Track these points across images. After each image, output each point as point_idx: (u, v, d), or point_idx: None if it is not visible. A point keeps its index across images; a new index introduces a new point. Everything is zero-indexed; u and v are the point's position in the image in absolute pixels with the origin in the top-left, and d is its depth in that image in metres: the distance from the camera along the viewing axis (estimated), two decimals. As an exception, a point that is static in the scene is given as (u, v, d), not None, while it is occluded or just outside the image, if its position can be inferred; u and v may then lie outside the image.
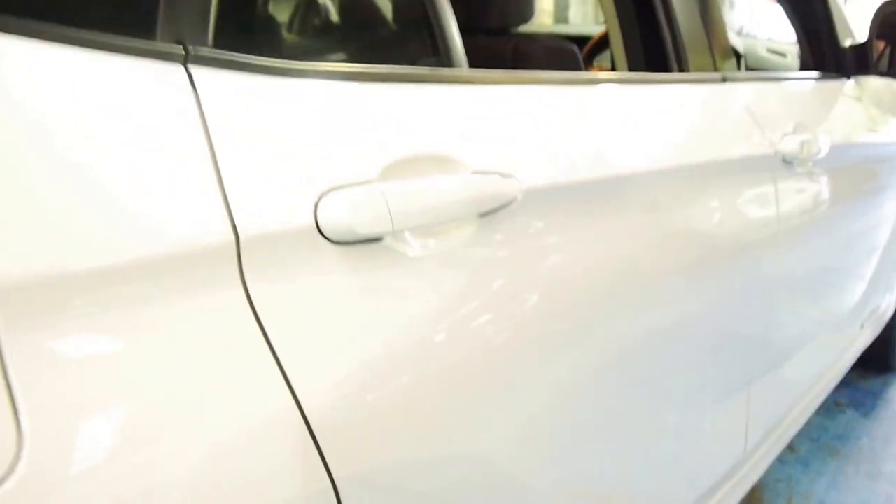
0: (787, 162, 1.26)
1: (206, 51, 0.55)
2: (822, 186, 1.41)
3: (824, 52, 1.74)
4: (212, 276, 0.51)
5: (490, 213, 0.71)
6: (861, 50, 1.72)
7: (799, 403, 1.63)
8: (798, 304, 1.41)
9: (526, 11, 1.08)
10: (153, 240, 0.49)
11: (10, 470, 0.41)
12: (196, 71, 0.53)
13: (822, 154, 1.36)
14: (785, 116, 1.31)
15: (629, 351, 0.94)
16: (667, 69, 1.15)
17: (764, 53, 2.15)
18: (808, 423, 2.24)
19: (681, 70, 1.16)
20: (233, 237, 0.52)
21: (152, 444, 0.47)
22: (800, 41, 1.84)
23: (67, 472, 0.44)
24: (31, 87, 0.46)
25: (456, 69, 0.78)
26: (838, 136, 1.52)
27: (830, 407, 2.36)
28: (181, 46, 0.53)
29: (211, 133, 0.53)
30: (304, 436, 0.54)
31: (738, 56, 2.16)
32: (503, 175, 0.72)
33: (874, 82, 1.75)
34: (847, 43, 1.74)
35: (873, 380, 2.54)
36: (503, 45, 1.22)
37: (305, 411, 0.54)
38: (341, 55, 1.09)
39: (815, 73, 1.70)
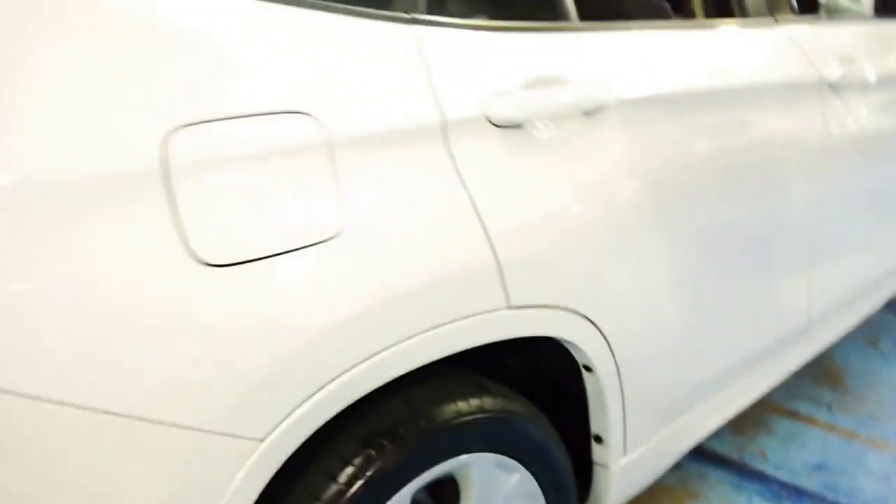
0: (833, 87, 1.57)
1: (419, 15, 0.97)
2: (867, 110, 1.70)
3: (890, -3, 1.99)
4: (429, 145, 0.94)
5: (592, 112, 1.11)
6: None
7: (858, 298, 1.91)
8: (845, 210, 1.71)
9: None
10: (406, 117, 0.91)
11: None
12: (413, 29, 0.96)
13: (869, 80, 1.66)
14: (832, 52, 1.62)
15: (714, 224, 1.33)
16: (731, 16, 1.50)
17: (842, 3, 2.40)
18: (891, 324, 2.49)
19: (742, 16, 1.50)
20: (438, 119, 0.94)
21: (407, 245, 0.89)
22: (872, -13, 2.08)
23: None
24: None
25: (572, 21, 1.18)
26: (890, 67, 1.79)
27: None
28: (406, 14, 0.96)
29: (428, 59, 0.95)
30: (490, 257, 0.96)
31: (816, 3, 2.41)
32: (598, 89, 1.12)
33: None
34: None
35: None
36: (602, 7, 1.61)
37: (492, 238, 0.96)
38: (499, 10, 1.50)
39: (874, 17, 1.97)
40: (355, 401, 0.88)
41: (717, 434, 1.94)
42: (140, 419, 0.71)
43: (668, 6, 1.62)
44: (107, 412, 0.69)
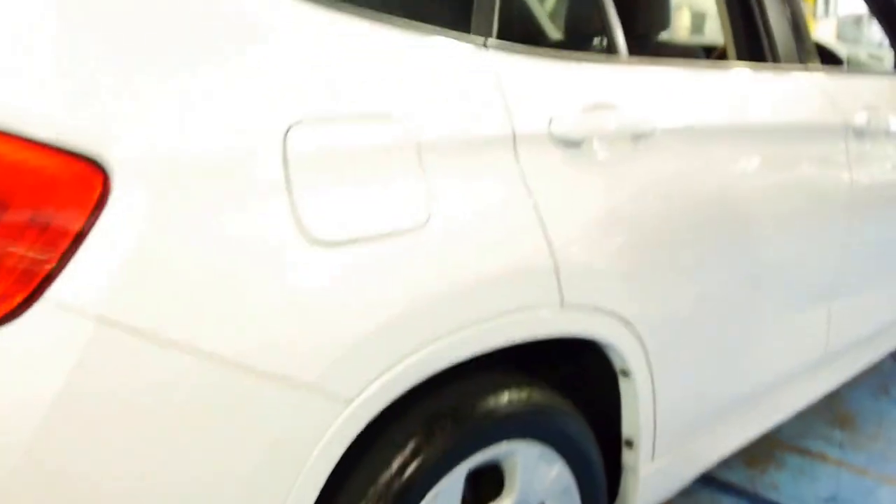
0: (858, 133, 1.69)
1: (493, 41, 1.09)
2: (889, 158, 1.82)
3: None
4: (501, 154, 1.05)
5: (639, 137, 1.22)
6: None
7: (871, 341, 1.99)
8: (866, 252, 1.81)
9: (664, 22, 1.59)
10: (483, 128, 1.03)
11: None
12: (489, 53, 1.08)
13: (892, 129, 1.78)
14: (857, 100, 1.74)
15: (748, 251, 1.43)
16: (763, 61, 1.62)
17: (864, 58, 2.57)
18: None
19: (774, 61, 1.62)
20: (510, 132, 1.05)
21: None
22: (893, 44, 2.22)
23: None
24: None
25: (622, 55, 1.30)
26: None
27: None
28: (481, 38, 1.08)
29: (502, 79, 1.07)
30: (549, 259, 1.06)
31: (839, 59, 2.57)
32: (645, 117, 1.24)
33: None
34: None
35: None
36: (647, 47, 1.75)
37: (551, 242, 1.06)
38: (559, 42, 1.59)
39: (894, 72, 2.10)
40: (419, 384, 0.97)
41: (729, 466, 2.01)
42: (255, 371, 0.80)
43: (700, 52, 1.75)
44: (235, 364, 0.79)
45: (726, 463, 2.01)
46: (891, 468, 2.01)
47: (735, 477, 1.96)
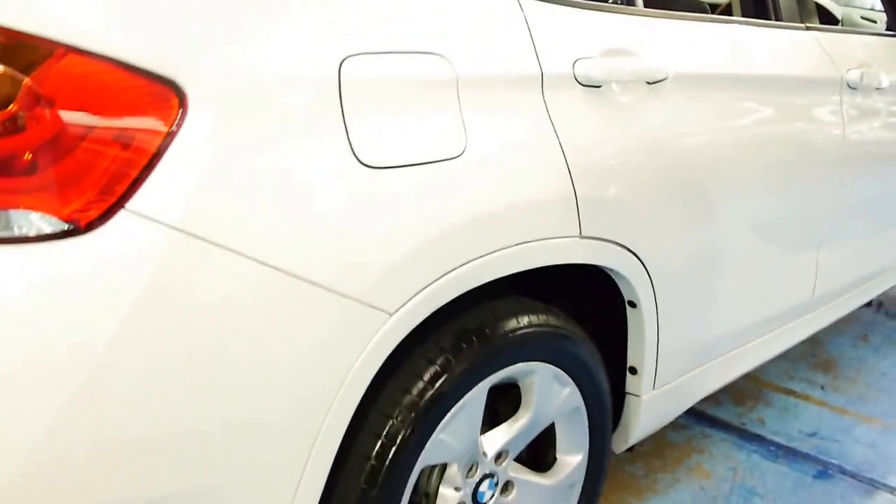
0: (852, 87, 1.78)
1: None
2: (881, 106, 1.92)
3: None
4: (529, 92, 1.13)
5: (654, 83, 1.30)
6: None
7: (864, 283, 2.12)
8: (854, 204, 1.91)
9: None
10: (513, 68, 1.10)
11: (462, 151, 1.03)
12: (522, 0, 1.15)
13: (882, 86, 1.87)
14: (852, 57, 1.82)
15: (749, 194, 1.52)
16: (767, 19, 1.70)
17: (858, 19, 2.66)
18: (884, 326, 2.72)
19: (777, 20, 1.70)
20: (538, 72, 1.13)
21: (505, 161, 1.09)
22: (885, 9, 2.30)
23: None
24: None
25: (639, 7, 1.37)
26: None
27: None
28: None
29: (532, 24, 1.14)
30: (571, 192, 1.14)
31: (835, 19, 2.66)
32: (659, 65, 1.32)
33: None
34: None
35: None
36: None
37: (573, 175, 1.14)
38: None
39: (888, 32, 2.19)
40: (451, 304, 1.06)
41: (720, 403, 2.14)
42: (310, 282, 0.88)
43: (705, 6, 1.83)
44: (293, 275, 0.86)
45: (717, 400, 2.15)
46: (867, 408, 2.15)
47: (725, 414, 2.09)
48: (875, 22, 2.61)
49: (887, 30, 2.27)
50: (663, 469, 1.84)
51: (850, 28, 2.12)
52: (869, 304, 2.91)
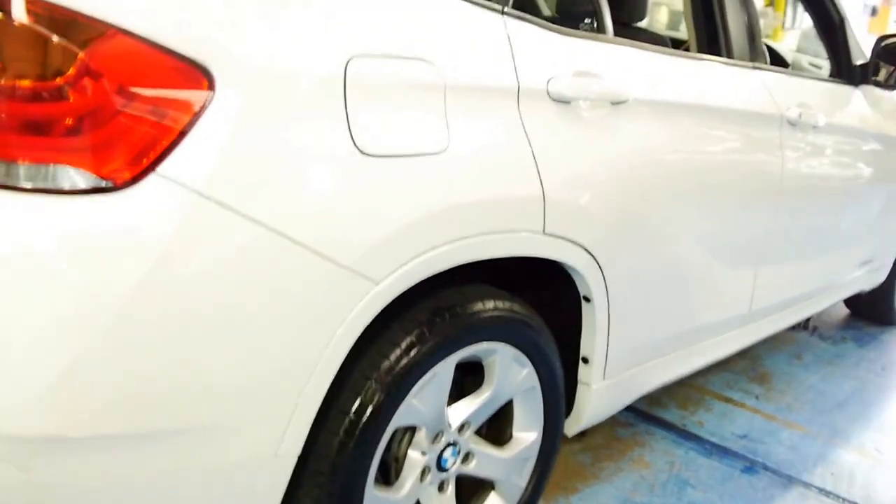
0: (791, 124, 1.99)
1: (509, 10, 1.32)
2: (816, 143, 2.14)
3: (841, 67, 2.45)
4: (507, 102, 1.28)
5: (617, 103, 1.47)
6: (865, 67, 2.42)
7: (797, 303, 2.33)
8: (789, 227, 2.11)
9: (642, 13, 1.85)
10: (495, 79, 1.26)
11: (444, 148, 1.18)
12: (505, 19, 1.31)
13: (819, 124, 2.09)
14: (794, 97, 2.04)
15: (693, 211, 1.70)
16: (719, 56, 1.90)
17: (806, 64, 2.93)
18: (816, 347, 2.94)
19: (728, 58, 1.90)
20: (515, 85, 1.28)
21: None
22: (829, 58, 2.54)
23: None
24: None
25: (608, 35, 1.54)
26: (836, 119, 2.23)
27: (837, 339, 3.06)
28: (500, 6, 1.30)
29: (512, 41, 1.30)
30: (539, 192, 1.30)
31: (786, 63, 2.91)
32: (623, 88, 1.49)
33: (872, 90, 2.47)
34: (858, 62, 2.44)
35: (875, 328, 3.24)
36: (627, 32, 2.01)
37: (542, 179, 1.30)
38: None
39: (829, 78, 2.43)
40: (428, 286, 1.20)
41: (665, 406, 2.32)
42: (309, 249, 1.01)
43: (666, 40, 2.02)
44: (296, 241, 0.99)
45: (663, 404, 2.32)
46: (793, 416, 2.35)
47: (669, 415, 2.27)
48: (821, 68, 2.86)
49: (830, 76, 2.51)
50: (609, 459, 2.00)
51: (796, 72, 2.35)
52: (805, 327, 3.15)
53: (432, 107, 1.16)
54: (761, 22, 2.11)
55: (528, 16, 1.36)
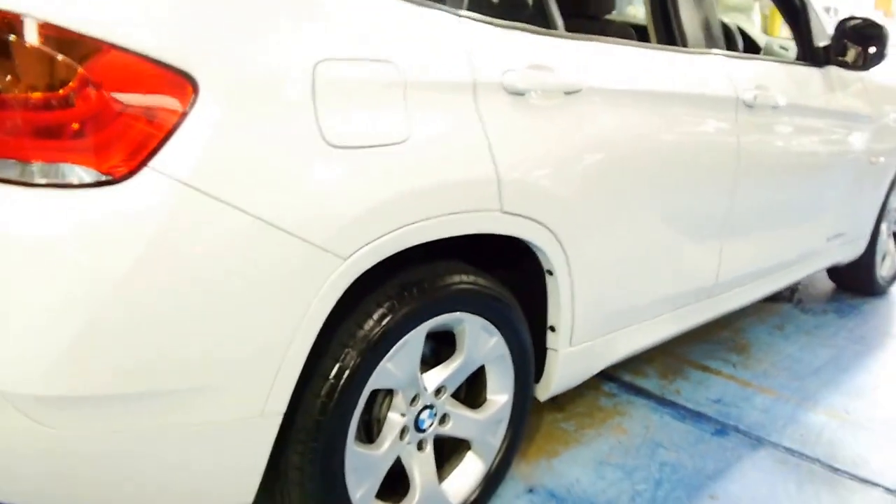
0: (748, 105, 2.11)
1: (464, 12, 1.46)
2: (775, 123, 2.26)
3: (806, 50, 2.57)
4: (464, 95, 1.43)
5: (570, 93, 1.61)
6: (828, 49, 2.54)
7: (768, 275, 2.45)
8: (749, 204, 2.23)
9: (610, 6, 1.99)
10: (452, 75, 1.40)
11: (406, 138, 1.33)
12: (461, 21, 1.45)
13: (779, 105, 2.21)
14: (751, 80, 2.16)
15: (653, 188, 1.84)
16: (674, 45, 2.03)
17: (777, 48, 3.04)
18: (798, 318, 3.06)
19: (684, 46, 2.03)
20: (472, 80, 1.43)
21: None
22: (795, 41, 2.66)
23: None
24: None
25: (557, 31, 1.68)
26: (797, 99, 2.35)
27: (818, 311, 3.18)
28: (456, 10, 1.45)
29: (469, 40, 1.45)
30: (493, 175, 1.44)
31: (757, 47, 3.03)
32: (576, 77, 1.63)
33: (836, 71, 2.58)
34: (821, 43, 2.56)
35: (858, 299, 3.35)
36: (594, 25, 2.14)
37: (497, 163, 1.44)
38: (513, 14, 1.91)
39: (794, 61, 2.54)
40: (396, 261, 1.35)
41: (645, 375, 2.46)
42: (284, 231, 1.16)
43: (631, 31, 2.16)
44: (272, 225, 1.14)
45: (644, 374, 2.47)
46: (768, 382, 2.48)
47: (649, 384, 2.41)
48: (787, 50, 2.97)
49: (797, 59, 2.62)
50: (591, 427, 2.14)
51: (756, 56, 2.46)
52: (790, 299, 3.27)
53: (393, 102, 1.30)
54: (760, 19, 2.25)
55: (482, 17, 1.50)
